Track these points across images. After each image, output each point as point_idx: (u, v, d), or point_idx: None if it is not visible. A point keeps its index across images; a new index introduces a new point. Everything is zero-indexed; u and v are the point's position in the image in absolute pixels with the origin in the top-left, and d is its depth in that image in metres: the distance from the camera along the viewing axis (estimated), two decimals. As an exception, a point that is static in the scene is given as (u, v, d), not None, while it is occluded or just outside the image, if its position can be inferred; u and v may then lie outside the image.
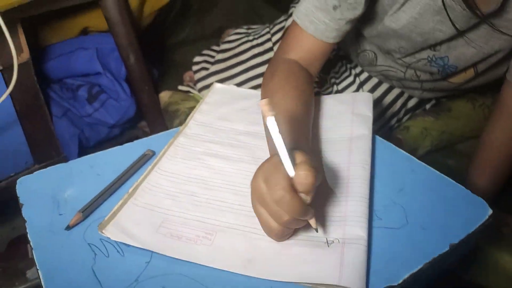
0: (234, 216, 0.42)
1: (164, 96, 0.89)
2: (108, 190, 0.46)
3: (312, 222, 0.37)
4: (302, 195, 0.35)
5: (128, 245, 0.39)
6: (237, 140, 0.53)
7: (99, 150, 0.54)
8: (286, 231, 0.38)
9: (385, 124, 0.81)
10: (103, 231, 0.40)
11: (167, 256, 0.38)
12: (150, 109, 0.87)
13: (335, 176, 0.46)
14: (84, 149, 0.85)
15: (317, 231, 0.38)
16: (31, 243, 0.40)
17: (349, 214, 0.41)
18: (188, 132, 0.55)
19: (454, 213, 0.43)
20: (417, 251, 0.39)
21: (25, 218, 0.43)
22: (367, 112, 0.55)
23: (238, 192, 0.45)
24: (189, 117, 0.58)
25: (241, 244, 0.39)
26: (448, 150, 0.85)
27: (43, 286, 0.36)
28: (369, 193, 0.44)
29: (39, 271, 0.37)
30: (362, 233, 0.39)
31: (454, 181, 0.47)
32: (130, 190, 0.45)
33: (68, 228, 0.42)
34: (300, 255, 0.38)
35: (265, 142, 0.50)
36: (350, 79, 0.80)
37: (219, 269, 0.37)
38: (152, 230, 0.40)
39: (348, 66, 0.81)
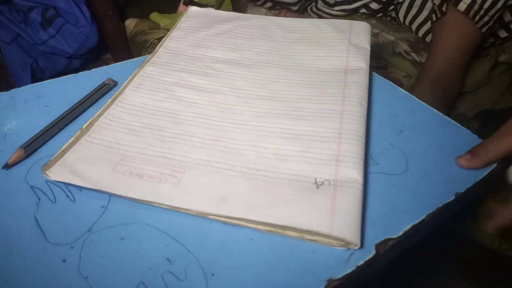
0: (206, 152, 0.35)
1: (130, 24, 0.78)
2: (57, 124, 0.38)
3: None
4: None
5: (81, 189, 0.33)
6: (213, 68, 0.45)
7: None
8: None
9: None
10: (47, 172, 0.33)
11: (126, 201, 0.32)
12: (114, 38, 0.77)
13: (327, 110, 0.40)
14: (38, 81, 0.74)
15: None
16: (-42, 185, 0.33)
17: (342, 153, 0.35)
18: (157, 60, 0.47)
19: (459, 159, 0.38)
20: (419, 200, 0.34)
21: (-47, 155, 0.35)
22: (365, 43, 0.48)
23: (213, 126, 0.38)
24: (159, 45, 0.50)
25: (213, 182, 0.33)
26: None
27: (-29, 237, 0.29)
28: (365, 133, 0.38)
29: (-34, 218, 0.30)
30: (357, 176, 0.33)
31: (458, 124, 0.42)
32: (84, 126, 0.37)
33: (7, 166, 0.34)
34: (283, 195, 0.32)
35: (245, 70, 0.43)
36: None
37: (188, 217, 0.31)
38: (108, 169, 0.33)
39: None
